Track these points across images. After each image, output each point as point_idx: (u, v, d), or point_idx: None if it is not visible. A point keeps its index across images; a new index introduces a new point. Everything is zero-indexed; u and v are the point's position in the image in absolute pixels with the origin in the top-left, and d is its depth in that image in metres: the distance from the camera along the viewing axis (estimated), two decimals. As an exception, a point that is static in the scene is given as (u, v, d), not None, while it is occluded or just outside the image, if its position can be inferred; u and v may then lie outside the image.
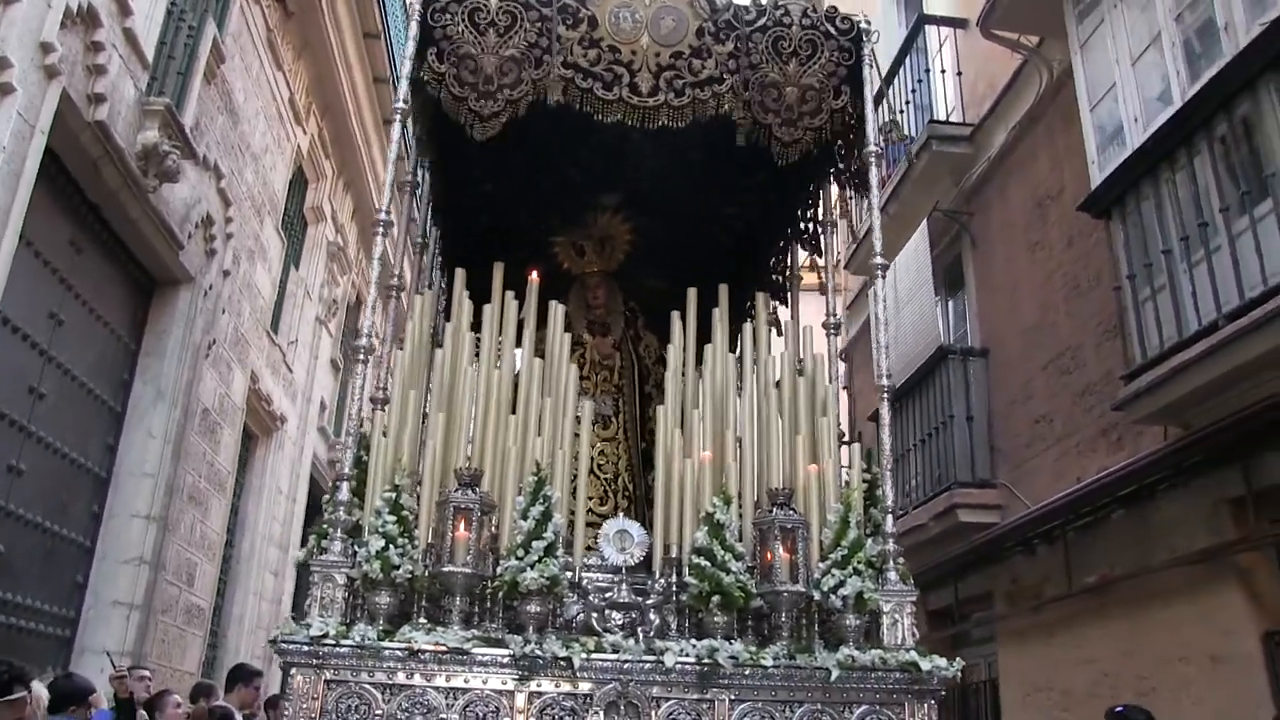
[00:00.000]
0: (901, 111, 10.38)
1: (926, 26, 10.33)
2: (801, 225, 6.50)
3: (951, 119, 9.93)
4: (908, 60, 10.46)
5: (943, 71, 10.16)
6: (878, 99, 5.70)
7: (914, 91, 10.28)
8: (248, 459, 11.49)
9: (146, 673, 6.79)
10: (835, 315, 5.91)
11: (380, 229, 4.99)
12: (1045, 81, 8.29)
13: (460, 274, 5.54)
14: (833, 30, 5.45)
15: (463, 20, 5.17)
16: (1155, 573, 6.54)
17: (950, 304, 10.24)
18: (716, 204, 6.74)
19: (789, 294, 6.56)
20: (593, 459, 5.96)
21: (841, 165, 5.96)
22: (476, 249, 6.33)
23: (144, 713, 6.17)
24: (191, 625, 9.48)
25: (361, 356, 4.79)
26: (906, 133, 9.68)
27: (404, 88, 5.14)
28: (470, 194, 6.53)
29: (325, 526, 4.56)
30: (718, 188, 6.56)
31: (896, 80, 10.52)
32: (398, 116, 5.16)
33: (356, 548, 4.39)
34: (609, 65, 5.16)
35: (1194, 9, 6.35)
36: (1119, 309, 6.77)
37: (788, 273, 6.68)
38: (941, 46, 10.30)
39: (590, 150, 6.18)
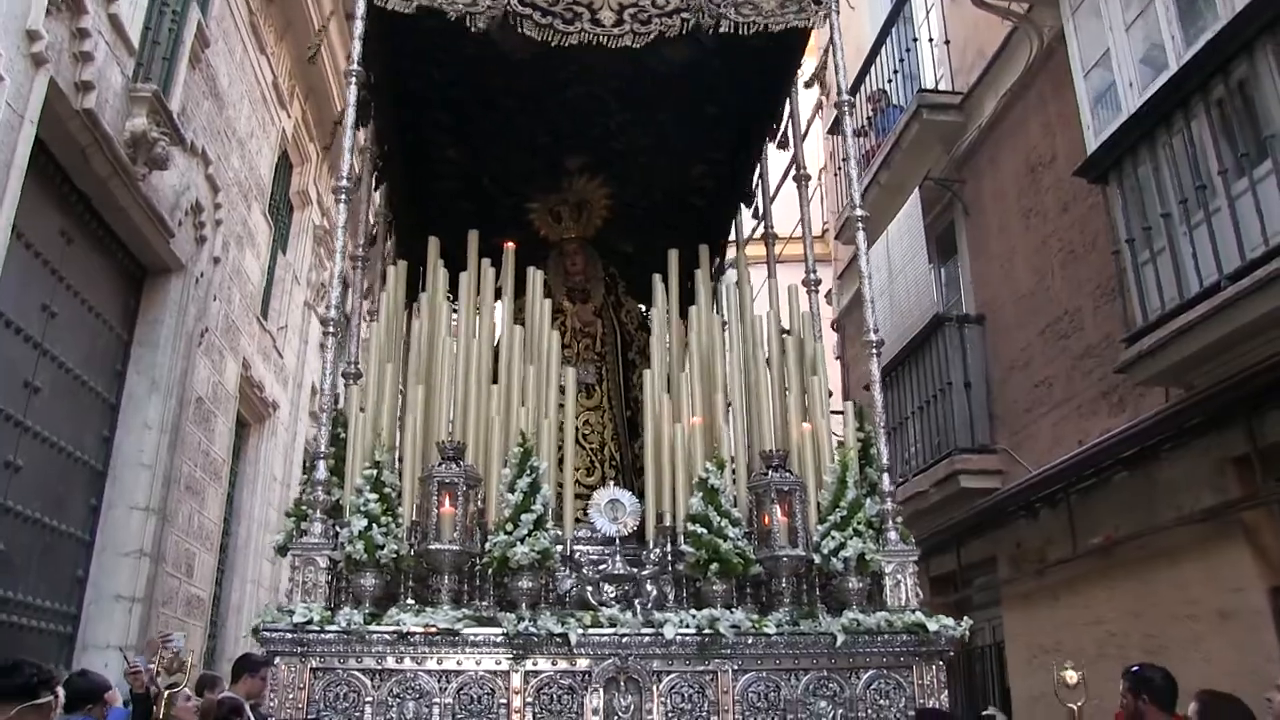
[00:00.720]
0: (890, 80, 10.37)
1: (913, -7, 10.30)
2: (752, 182, 6.47)
3: (940, 87, 9.92)
4: (895, 29, 10.42)
5: (930, 40, 10.14)
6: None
7: (902, 60, 10.26)
8: (241, 447, 11.44)
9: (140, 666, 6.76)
10: (814, 272, 5.82)
11: (342, 196, 4.80)
12: (1036, 48, 8.28)
13: (434, 242, 5.42)
14: None
15: None
16: (1161, 532, 6.60)
17: (944, 272, 10.26)
18: (688, 162, 6.67)
19: (768, 250, 6.46)
20: (577, 429, 5.88)
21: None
22: (446, 218, 6.23)
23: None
24: (192, 616, 9.44)
25: (331, 330, 4.63)
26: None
27: (355, 46, 4.95)
28: (434, 158, 6.38)
29: (303, 508, 4.42)
30: (687, 148, 6.50)
31: (884, 49, 10.50)
32: (353, 76, 4.98)
33: (338, 529, 4.25)
34: (568, 5, 5.02)
35: (1188, -29, 6.35)
36: (1118, 272, 6.79)
37: (762, 229, 6.65)
38: (929, 14, 10.27)
39: (557, 109, 6.08)
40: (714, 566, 4.35)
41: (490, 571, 4.28)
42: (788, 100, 6.11)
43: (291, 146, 11.92)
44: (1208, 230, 5.89)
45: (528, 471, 4.37)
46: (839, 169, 10.58)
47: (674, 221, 6.72)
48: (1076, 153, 7.35)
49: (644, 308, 6.61)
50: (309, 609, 4.03)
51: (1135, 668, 4.88)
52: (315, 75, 11.89)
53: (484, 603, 4.28)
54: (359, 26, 4.98)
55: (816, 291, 5.76)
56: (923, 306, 9.35)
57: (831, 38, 5.43)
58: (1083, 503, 7.50)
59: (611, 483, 5.59)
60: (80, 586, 7.82)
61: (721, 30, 5.14)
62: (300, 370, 12.92)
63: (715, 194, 6.92)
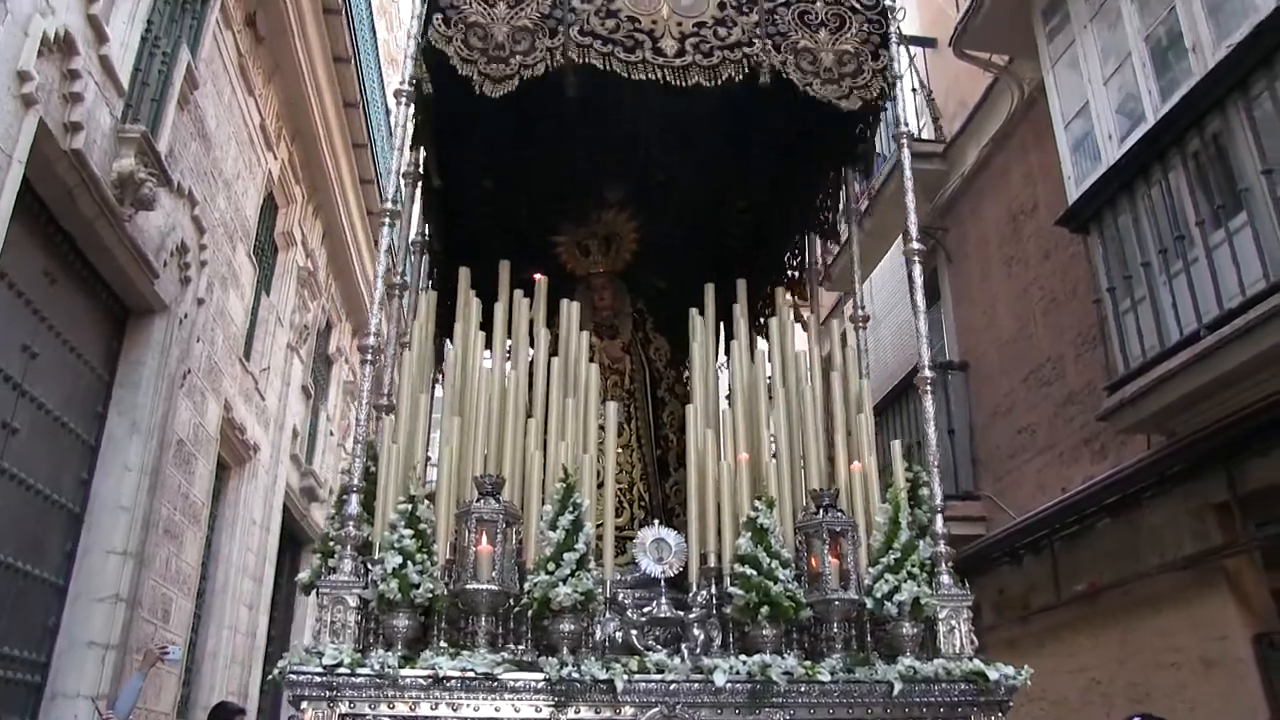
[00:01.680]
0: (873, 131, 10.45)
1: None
2: (820, 215, 6.24)
3: (923, 136, 10.04)
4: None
5: (914, 90, 10.27)
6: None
7: (885, 110, 10.35)
8: (221, 490, 11.33)
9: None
10: (863, 308, 5.71)
11: (387, 219, 4.74)
12: (1017, 99, 8.42)
13: (465, 272, 5.27)
14: (858, 5, 5.28)
15: None
16: (1144, 579, 6.62)
17: (927, 319, 10.30)
18: (727, 196, 6.55)
19: (809, 288, 6.39)
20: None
21: (860, 150, 5.82)
22: (475, 250, 6.02)
23: None
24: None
25: (370, 357, 4.51)
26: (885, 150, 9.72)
27: (408, 66, 4.89)
28: (470, 189, 6.25)
29: (332, 544, 4.24)
30: (728, 179, 6.38)
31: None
32: (404, 96, 4.92)
33: (368, 566, 4.09)
34: (629, 33, 4.91)
35: (1162, 29, 6.47)
36: (1099, 320, 6.87)
37: (805, 267, 6.50)
38: (911, 64, 10.41)
39: (599, 141, 5.96)
40: (764, 610, 4.15)
41: (529, 614, 4.11)
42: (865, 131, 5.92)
43: (277, 188, 11.94)
44: (1187, 280, 5.97)
45: (570, 508, 4.18)
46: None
47: (708, 258, 6.55)
48: (1057, 202, 7.44)
49: (670, 347, 6.49)
50: (339, 650, 3.86)
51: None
52: (302, 117, 11.95)
53: (522, 647, 4.11)
54: (410, 45, 4.92)
55: (864, 328, 5.64)
56: (907, 353, 9.40)
57: (899, 72, 5.39)
58: (1066, 549, 7.52)
59: (639, 524, 5.44)
60: (51, 634, 7.65)
61: (783, 78, 5.02)
62: (282, 413, 12.85)
63: (755, 231, 6.78)
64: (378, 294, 4.66)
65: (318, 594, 4.10)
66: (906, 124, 5.48)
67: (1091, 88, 7.08)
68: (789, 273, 6.62)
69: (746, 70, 4.98)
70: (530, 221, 6.55)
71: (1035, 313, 8.18)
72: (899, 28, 5.39)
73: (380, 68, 14.56)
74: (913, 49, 10.27)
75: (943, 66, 9.62)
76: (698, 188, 6.42)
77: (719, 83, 4.94)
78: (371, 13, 13.83)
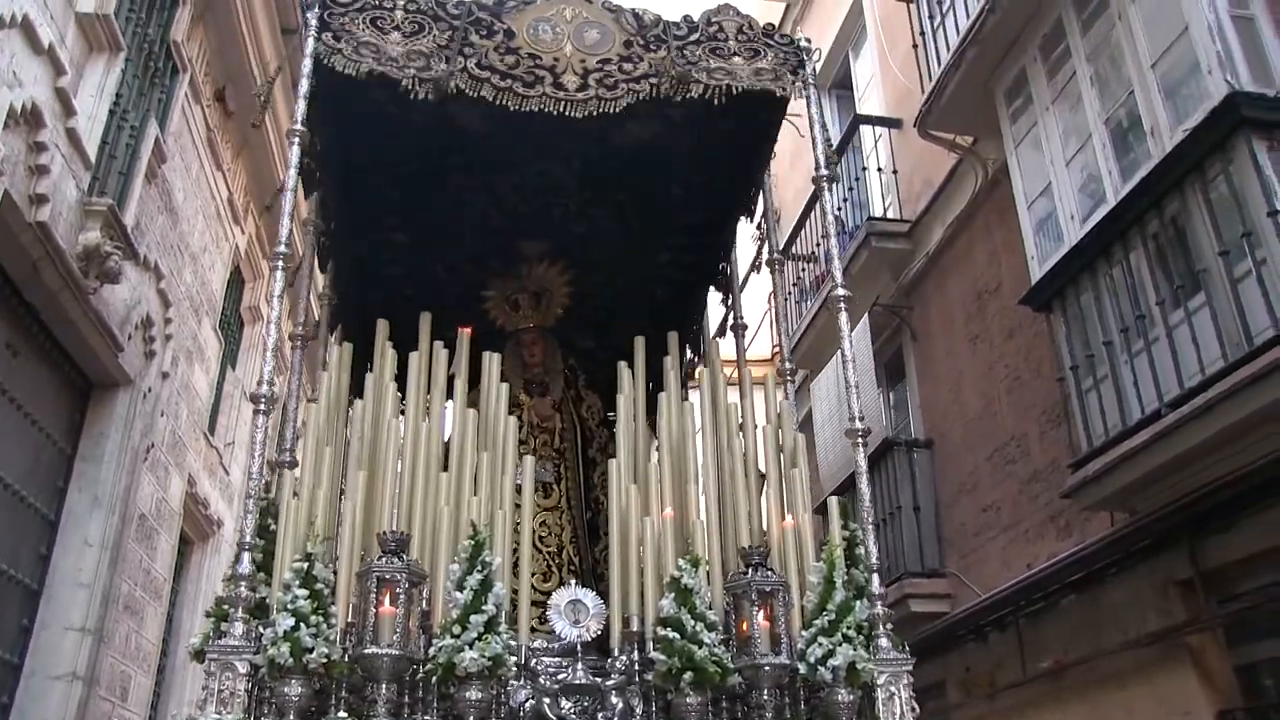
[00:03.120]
0: (840, 209, 10.62)
1: (861, 126, 10.64)
2: (721, 266, 6.30)
3: (889, 215, 10.20)
4: (844, 159, 10.74)
5: (879, 170, 10.45)
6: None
7: (851, 189, 10.55)
8: (184, 565, 11.14)
9: None
10: (789, 361, 5.66)
11: (279, 262, 4.51)
12: (981, 179, 8.57)
13: (383, 324, 5.09)
14: (772, 42, 5.20)
15: (363, 24, 4.79)
16: (1109, 656, 6.61)
17: (892, 396, 10.40)
18: (651, 250, 6.48)
19: (739, 342, 6.25)
20: (534, 530, 5.45)
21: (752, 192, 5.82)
22: (394, 303, 5.89)
23: None
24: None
25: (262, 407, 4.24)
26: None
27: (300, 106, 4.69)
28: (379, 243, 6.08)
29: (224, 606, 3.97)
30: (652, 233, 6.31)
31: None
32: (295, 136, 4.69)
33: (262, 629, 3.84)
34: (529, 69, 4.80)
35: (1122, 112, 6.64)
36: (1063, 398, 6.93)
37: (728, 319, 6.43)
38: (876, 144, 10.61)
39: (513, 189, 5.85)
40: (688, 676, 3.95)
41: (435, 680, 3.89)
42: (762, 179, 5.98)
43: (244, 262, 11.93)
44: (1148, 358, 6.06)
45: (479, 567, 3.98)
46: (788, 293, 10.75)
47: (637, 312, 6.39)
48: (1021, 280, 7.55)
49: (602, 405, 6.37)
50: None
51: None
52: (269, 192, 11.96)
53: (427, 717, 3.92)
54: (304, 85, 4.75)
55: (791, 381, 5.52)
56: (872, 430, 9.44)
57: (809, 112, 5.31)
58: (1031, 626, 7.51)
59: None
60: (4, 712, 7.48)
61: (691, 94, 4.92)
62: (247, 487, 12.70)
63: (681, 283, 6.70)
64: (271, 340, 4.46)
65: (204, 660, 3.85)
66: (824, 170, 5.36)
67: (1054, 169, 7.23)
68: (694, 326, 6.62)
69: (655, 95, 4.88)
70: (451, 277, 6.39)
71: (1000, 390, 8.25)
72: (814, 65, 5.30)
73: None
74: (878, 129, 10.49)
75: (908, 147, 9.80)
76: (621, 240, 6.32)
77: (617, 111, 4.83)
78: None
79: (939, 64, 8.28)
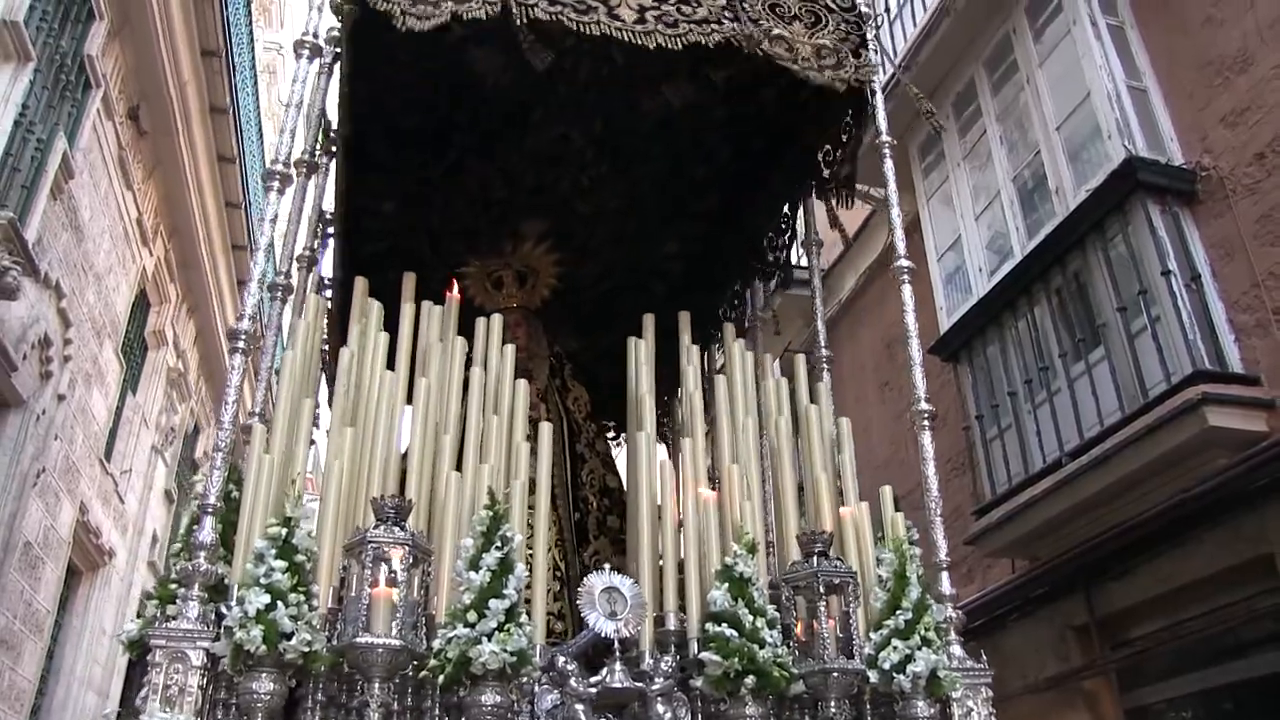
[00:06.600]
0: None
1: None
2: (767, 255, 5.87)
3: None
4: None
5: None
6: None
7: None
8: (70, 597, 10.72)
9: None
10: (825, 348, 5.37)
11: (275, 183, 4.11)
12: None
13: (362, 281, 4.42)
14: (833, 5, 4.84)
15: None
16: (1009, 700, 6.67)
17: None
18: (659, 237, 6.10)
19: (754, 331, 6.02)
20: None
21: (828, 174, 5.38)
22: (375, 277, 5.19)
23: None
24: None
25: (241, 345, 3.71)
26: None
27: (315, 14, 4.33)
28: (358, 210, 5.45)
29: (173, 586, 3.23)
30: (663, 214, 5.91)
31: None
32: (305, 48, 4.35)
33: (224, 610, 3.11)
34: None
35: (1028, 172, 6.85)
36: (968, 447, 7.06)
37: (750, 313, 6.15)
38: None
39: (521, 157, 5.40)
40: (749, 681, 3.38)
41: (439, 680, 3.18)
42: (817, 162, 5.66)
43: (151, 285, 11.63)
44: (1050, 409, 6.22)
45: (499, 543, 3.29)
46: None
47: (631, 302, 5.85)
48: (931, 330, 7.69)
49: (590, 398, 5.87)
50: None
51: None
52: (182, 216, 11.74)
53: None
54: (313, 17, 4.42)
55: (829, 368, 5.24)
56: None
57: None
58: (934, 672, 7.56)
59: (554, 596, 4.70)
60: None
61: (745, 62, 4.59)
62: (142, 517, 12.32)
63: (684, 272, 6.33)
64: (256, 271, 4.01)
65: (146, 651, 3.10)
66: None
67: (964, 223, 7.42)
68: (730, 314, 6.32)
69: (716, 44, 4.46)
70: (435, 256, 5.85)
71: (908, 438, 8.36)
72: (878, 34, 5.06)
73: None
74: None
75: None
76: (628, 223, 5.92)
77: (683, 45, 4.38)
78: (260, 114, 13.77)
79: (856, 118, 8.44)
